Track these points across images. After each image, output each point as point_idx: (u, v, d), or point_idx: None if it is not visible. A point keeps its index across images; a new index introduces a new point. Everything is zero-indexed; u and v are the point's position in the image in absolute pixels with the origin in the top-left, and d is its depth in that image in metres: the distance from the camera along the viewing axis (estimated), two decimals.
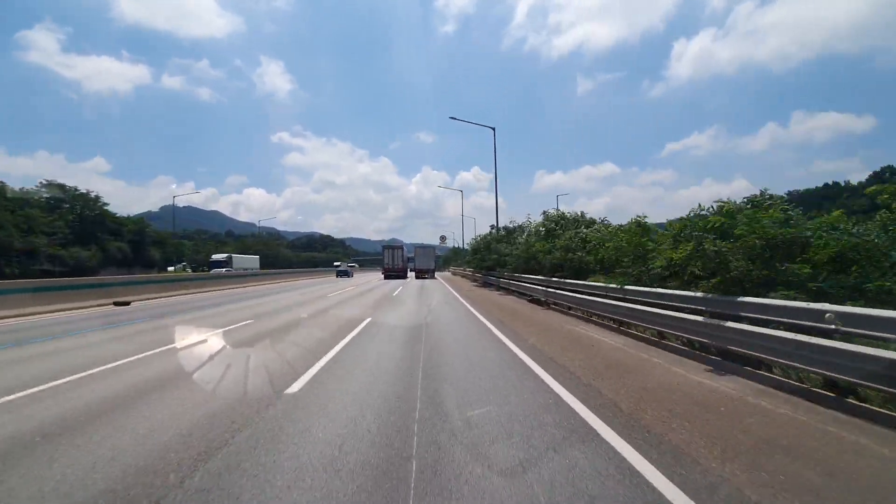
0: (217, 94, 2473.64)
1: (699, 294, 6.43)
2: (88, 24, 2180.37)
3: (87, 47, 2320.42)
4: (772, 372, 5.04)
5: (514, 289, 18.91)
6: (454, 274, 53.27)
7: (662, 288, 7.61)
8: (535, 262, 16.06)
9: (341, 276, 45.95)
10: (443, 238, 63.44)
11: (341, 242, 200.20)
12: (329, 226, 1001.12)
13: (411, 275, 41.20)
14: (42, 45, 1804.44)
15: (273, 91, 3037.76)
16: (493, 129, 26.80)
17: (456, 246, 73.64)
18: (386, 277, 37.81)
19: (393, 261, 39.58)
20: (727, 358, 5.63)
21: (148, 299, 16.95)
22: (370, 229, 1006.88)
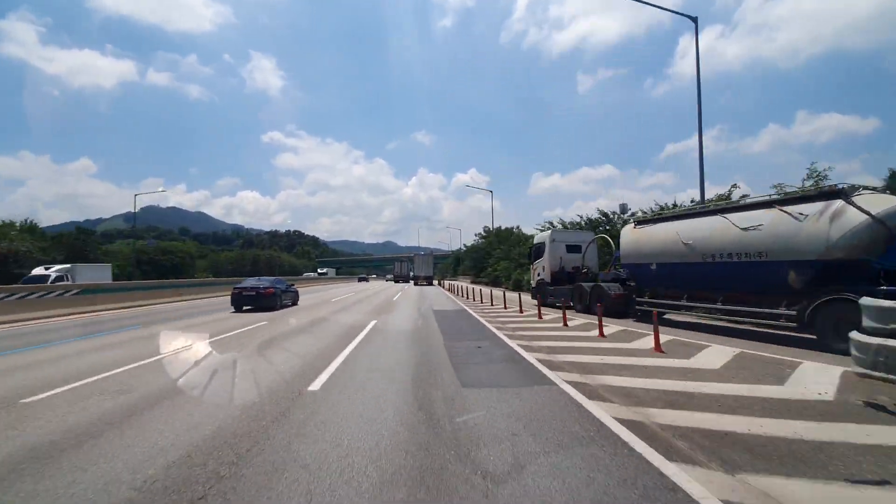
0: (207, 91, 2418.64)
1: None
2: (68, 14, 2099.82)
3: (68, 40, 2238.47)
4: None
5: None
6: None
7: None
8: None
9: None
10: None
11: (313, 240, 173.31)
12: (324, 229, 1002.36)
13: (412, 281, 46.21)
14: (19, 37, 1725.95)
15: (265, 88, 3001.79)
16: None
17: (482, 234, 49.38)
18: (395, 281, 50.56)
19: (400, 270, 52.89)
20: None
21: None
22: (366, 233, 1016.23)
